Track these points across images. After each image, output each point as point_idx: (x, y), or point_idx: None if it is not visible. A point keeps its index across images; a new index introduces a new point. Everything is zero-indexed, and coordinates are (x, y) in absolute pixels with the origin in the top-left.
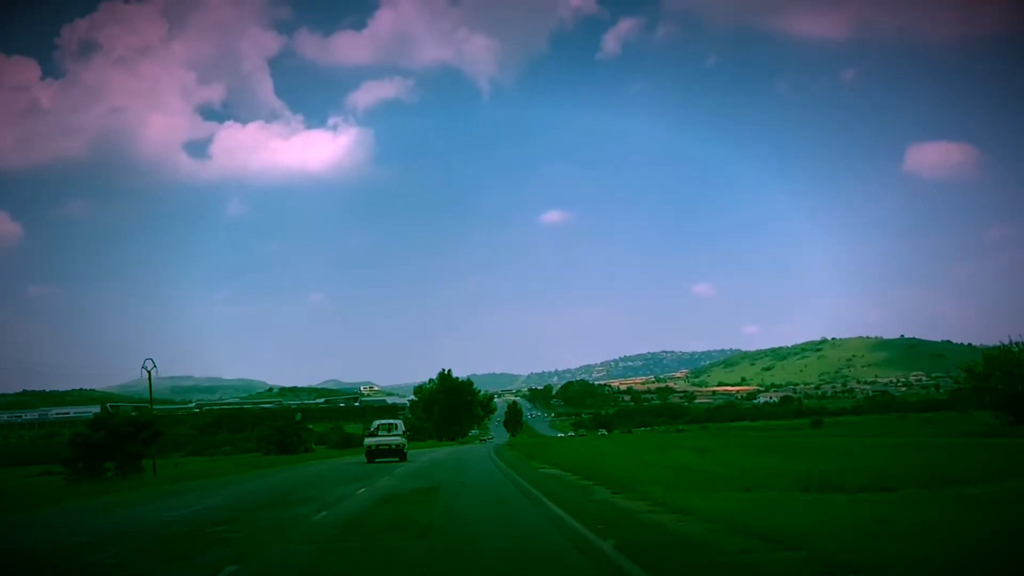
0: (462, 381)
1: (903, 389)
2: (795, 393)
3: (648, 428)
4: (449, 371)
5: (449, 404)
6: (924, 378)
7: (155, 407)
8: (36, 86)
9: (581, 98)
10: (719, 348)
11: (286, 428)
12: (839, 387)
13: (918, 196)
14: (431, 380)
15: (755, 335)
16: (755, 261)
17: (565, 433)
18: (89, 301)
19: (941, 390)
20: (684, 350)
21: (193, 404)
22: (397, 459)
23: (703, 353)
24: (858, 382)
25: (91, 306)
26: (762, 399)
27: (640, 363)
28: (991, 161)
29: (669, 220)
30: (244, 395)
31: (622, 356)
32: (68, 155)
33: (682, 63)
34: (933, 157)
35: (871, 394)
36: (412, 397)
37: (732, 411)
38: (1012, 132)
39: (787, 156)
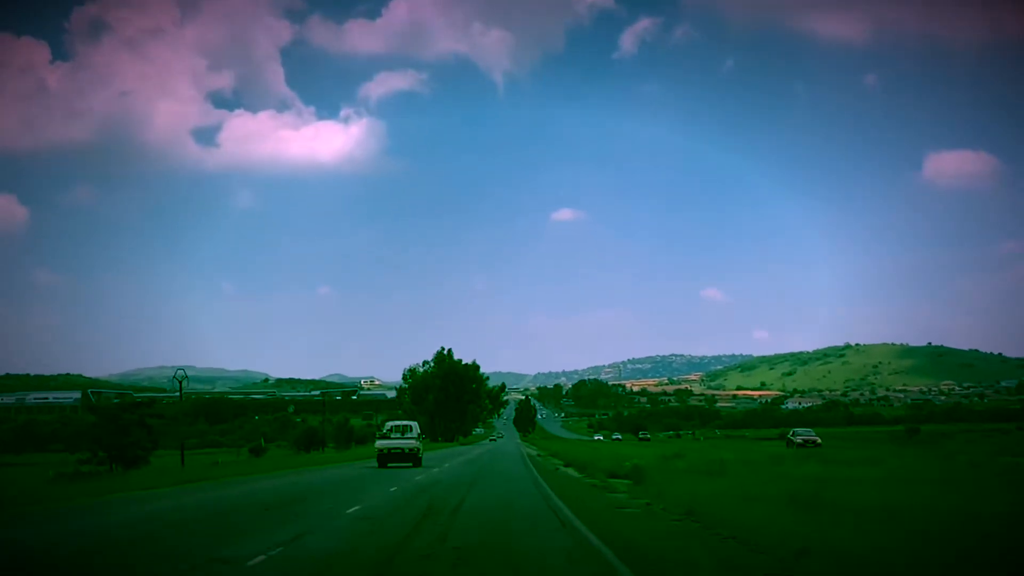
0: (466, 364)
1: (942, 399)
2: (824, 399)
3: (691, 434)
4: (449, 351)
5: (448, 393)
6: (956, 387)
7: (141, 395)
8: (44, 68)
9: (596, 96)
10: (729, 353)
11: (121, 416)
12: (867, 394)
13: (937, 205)
14: (425, 362)
15: (764, 340)
16: (766, 266)
17: (607, 436)
18: (92, 288)
19: (985, 400)
20: (693, 354)
21: (195, 395)
22: (411, 464)
23: (713, 357)
24: (887, 389)
25: (94, 293)
26: (790, 405)
27: (649, 366)
28: (1012, 171)
29: (681, 222)
30: (242, 386)
31: (630, 358)
32: (75, 139)
33: (700, 64)
34: (953, 165)
35: (909, 402)
36: (408, 390)
37: (771, 416)
38: None
39: (803, 160)
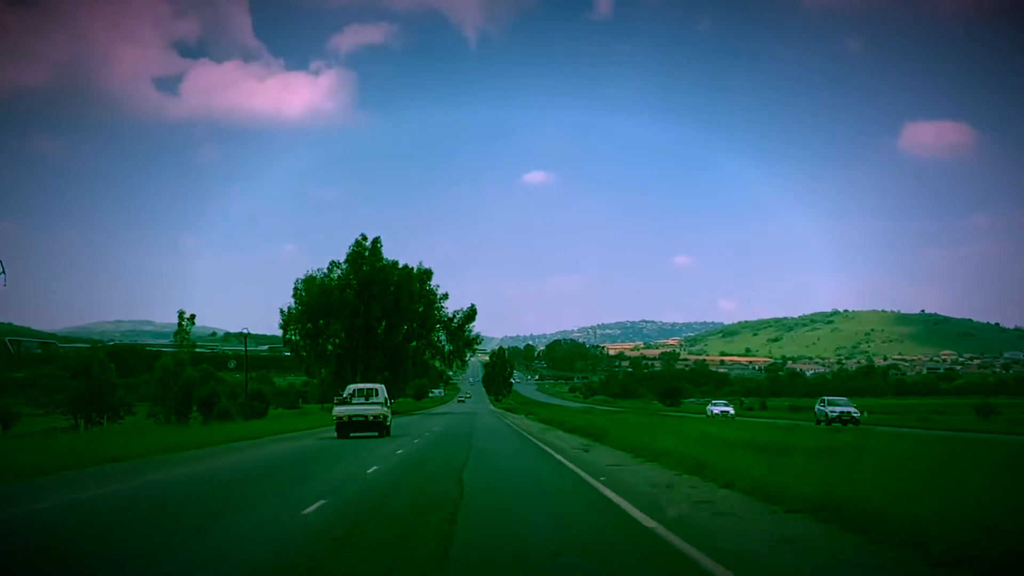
0: (406, 268)
1: (958, 368)
2: (825, 367)
3: (741, 401)
4: (375, 240)
5: (372, 317)
6: (958, 357)
7: (65, 345)
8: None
9: (570, 56)
10: (700, 320)
11: None
12: (863, 361)
13: (914, 174)
14: (333, 264)
15: (731, 310)
16: (738, 234)
17: (644, 405)
18: (47, 239)
19: (1011, 372)
20: (664, 320)
21: (113, 344)
22: (377, 433)
23: (684, 324)
24: (884, 358)
25: (49, 244)
26: (808, 371)
27: (619, 331)
28: (991, 143)
29: (653, 188)
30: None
31: (599, 323)
32: (30, 83)
33: (675, 24)
34: (932, 135)
35: (924, 372)
36: (296, 305)
37: (802, 383)
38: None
39: (779, 125)
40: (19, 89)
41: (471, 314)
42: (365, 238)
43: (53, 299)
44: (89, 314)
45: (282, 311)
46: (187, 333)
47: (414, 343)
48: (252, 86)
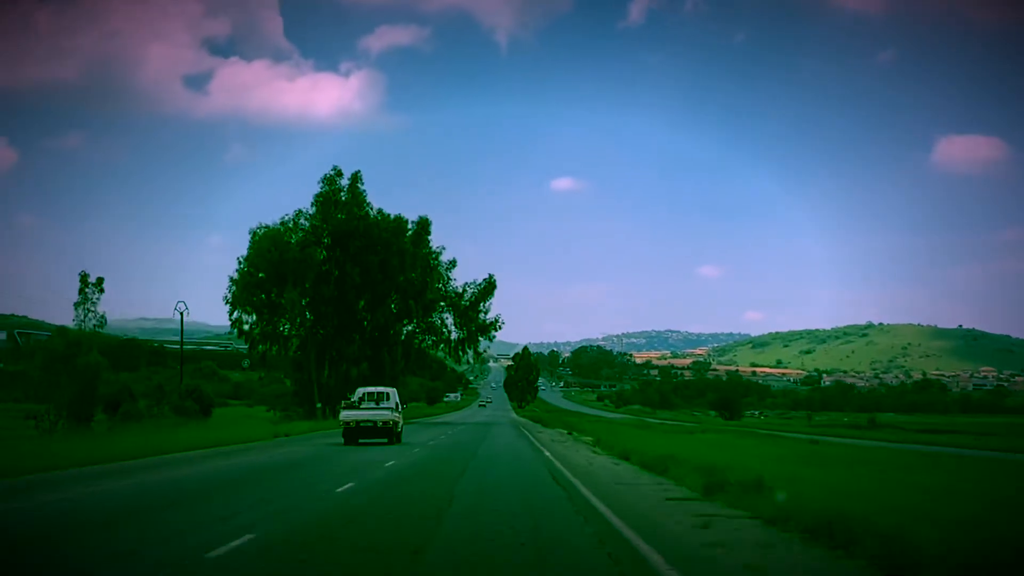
0: (398, 219)
1: (1005, 386)
2: (862, 380)
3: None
4: (355, 176)
5: (349, 283)
6: (998, 374)
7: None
8: (33, 4)
9: (601, 64)
10: (725, 331)
11: None
12: (901, 376)
13: (946, 189)
14: (298, 212)
15: (757, 321)
16: (764, 245)
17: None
18: (74, 235)
19: None
20: (689, 330)
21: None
22: (386, 440)
23: (710, 335)
24: (923, 373)
25: (75, 240)
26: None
27: (643, 340)
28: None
29: (682, 198)
30: (204, 338)
31: (624, 332)
32: (61, 78)
33: (709, 37)
34: (965, 150)
35: (971, 389)
36: (242, 266)
37: (856, 396)
38: None
39: (811, 138)
40: (50, 85)
41: (488, 288)
42: (340, 173)
43: (77, 295)
44: (111, 311)
45: (231, 279)
46: (93, 304)
47: (408, 324)
48: (281, 86)
